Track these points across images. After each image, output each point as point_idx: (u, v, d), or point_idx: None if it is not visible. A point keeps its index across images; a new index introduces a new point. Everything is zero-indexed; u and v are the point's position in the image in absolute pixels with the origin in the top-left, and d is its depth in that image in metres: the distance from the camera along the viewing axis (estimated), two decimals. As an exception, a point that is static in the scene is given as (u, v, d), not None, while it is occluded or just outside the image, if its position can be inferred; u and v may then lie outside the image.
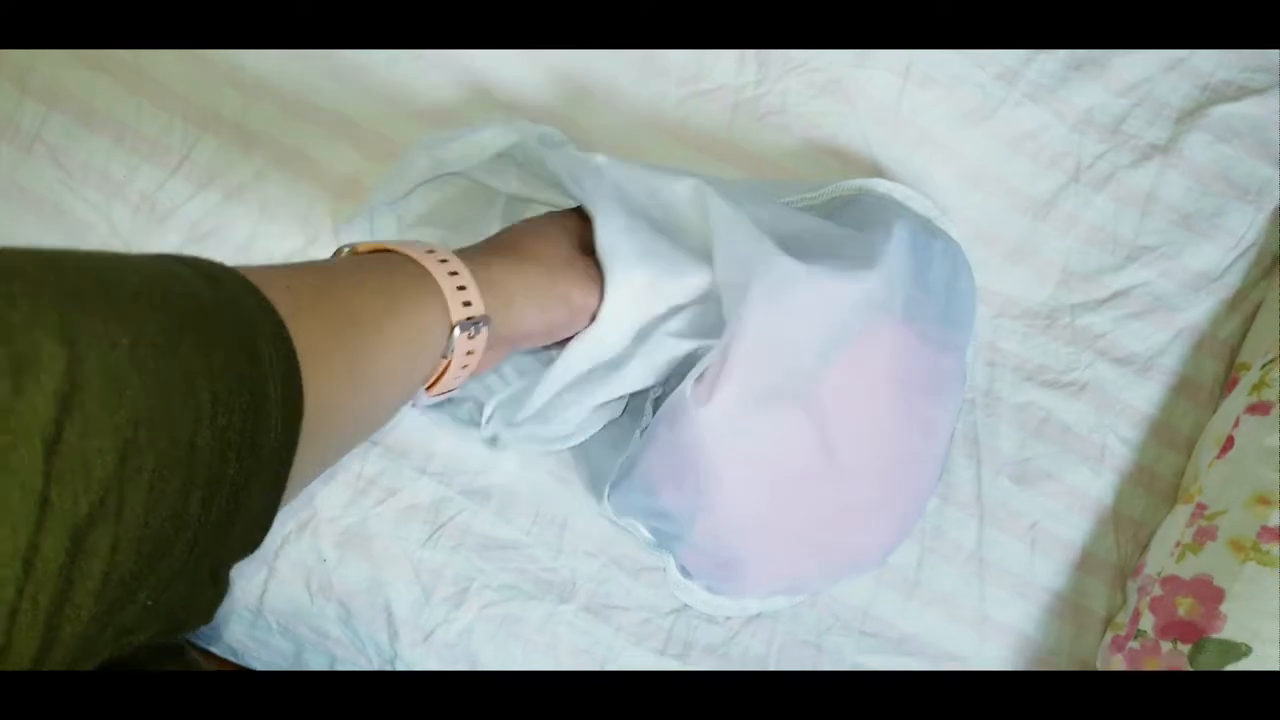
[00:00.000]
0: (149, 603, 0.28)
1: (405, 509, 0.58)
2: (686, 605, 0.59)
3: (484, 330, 0.44)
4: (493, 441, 0.55)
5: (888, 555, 0.60)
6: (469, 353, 0.44)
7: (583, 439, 0.56)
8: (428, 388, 0.45)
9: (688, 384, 0.50)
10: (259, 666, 0.59)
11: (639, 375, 0.51)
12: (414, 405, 0.50)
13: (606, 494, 0.56)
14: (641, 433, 0.55)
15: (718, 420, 0.50)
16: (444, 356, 0.43)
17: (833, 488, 0.55)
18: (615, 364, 0.51)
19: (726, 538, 0.55)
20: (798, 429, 0.53)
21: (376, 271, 0.41)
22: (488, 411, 0.54)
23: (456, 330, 0.43)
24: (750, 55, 0.62)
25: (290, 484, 0.34)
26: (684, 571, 0.59)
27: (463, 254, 0.45)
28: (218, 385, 0.28)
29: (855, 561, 0.60)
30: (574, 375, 0.51)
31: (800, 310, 0.51)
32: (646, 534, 0.58)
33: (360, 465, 0.58)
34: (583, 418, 0.54)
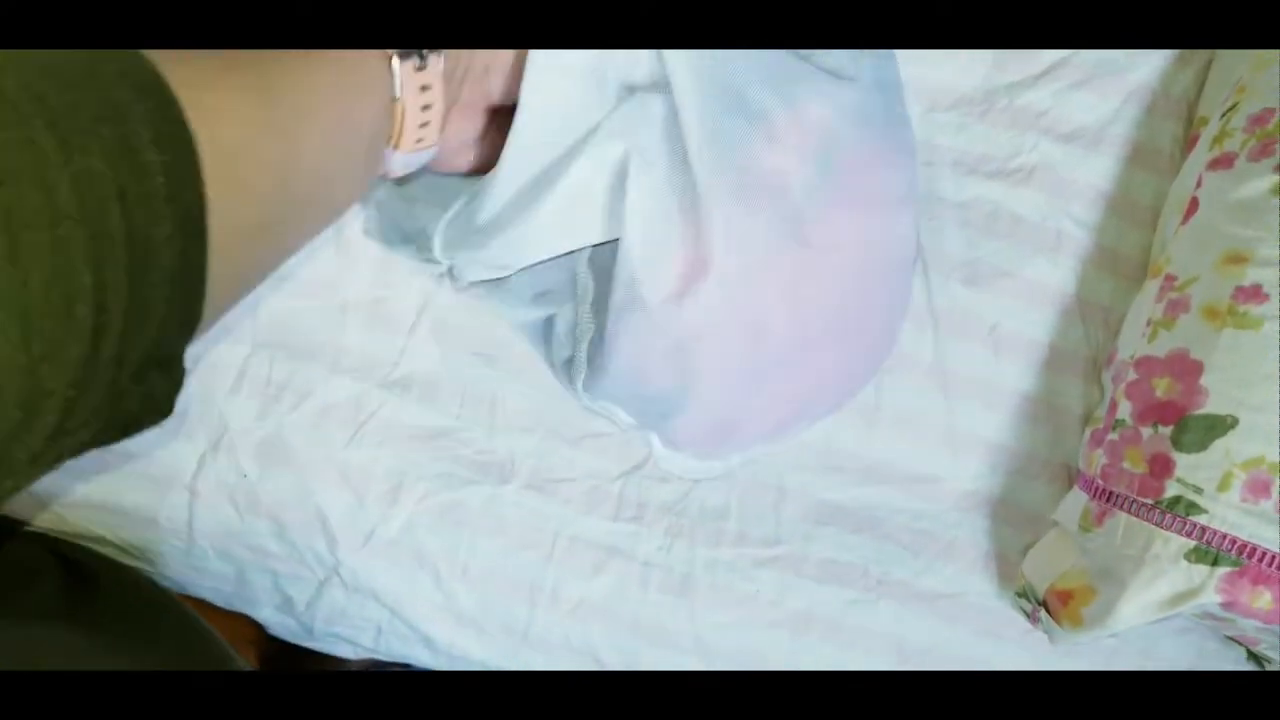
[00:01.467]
0: (71, 394, 0.26)
1: (322, 411, 0.55)
2: (636, 466, 0.56)
3: (433, 62, 0.39)
4: (450, 274, 0.52)
5: (868, 381, 0.56)
6: (424, 88, 0.39)
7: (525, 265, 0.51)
8: (394, 145, 0.41)
9: (643, 288, 0.45)
10: (205, 595, 0.57)
11: (587, 175, 0.46)
12: (387, 173, 0.44)
13: (580, 385, 0.52)
14: (592, 306, 0.50)
15: (704, 310, 0.46)
16: (394, 100, 0.39)
17: (825, 324, 0.51)
18: (561, 164, 0.46)
19: (723, 403, 0.52)
20: (794, 282, 0.49)
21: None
22: (437, 237, 0.50)
23: (396, 60, 0.38)
24: None
25: (234, 252, 0.31)
26: (670, 445, 0.55)
27: None
28: (67, 131, 0.25)
29: (841, 391, 0.56)
30: (522, 177, 0.46)
31: (781, 138, 0.45)
32: (626, 418, 0.54)
33: (268, 371, 0.54)
34: (533, 236, 0.48)
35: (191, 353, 0.54)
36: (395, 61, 0.38)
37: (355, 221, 0.54)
